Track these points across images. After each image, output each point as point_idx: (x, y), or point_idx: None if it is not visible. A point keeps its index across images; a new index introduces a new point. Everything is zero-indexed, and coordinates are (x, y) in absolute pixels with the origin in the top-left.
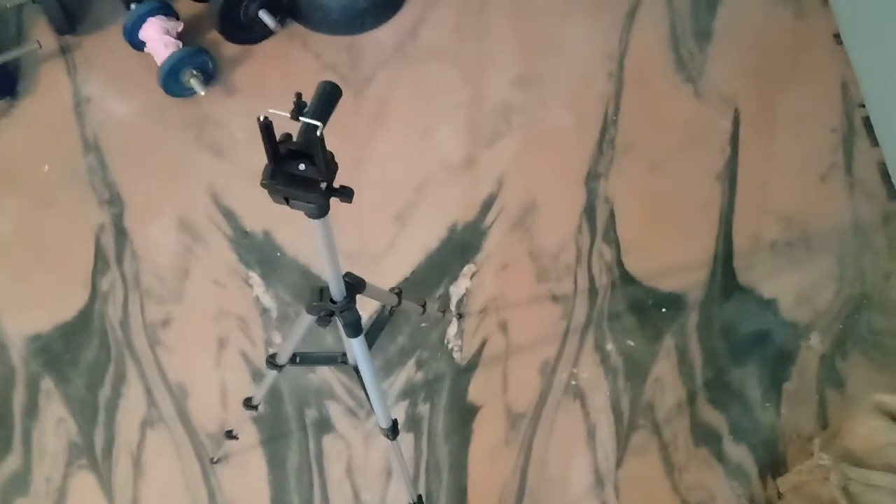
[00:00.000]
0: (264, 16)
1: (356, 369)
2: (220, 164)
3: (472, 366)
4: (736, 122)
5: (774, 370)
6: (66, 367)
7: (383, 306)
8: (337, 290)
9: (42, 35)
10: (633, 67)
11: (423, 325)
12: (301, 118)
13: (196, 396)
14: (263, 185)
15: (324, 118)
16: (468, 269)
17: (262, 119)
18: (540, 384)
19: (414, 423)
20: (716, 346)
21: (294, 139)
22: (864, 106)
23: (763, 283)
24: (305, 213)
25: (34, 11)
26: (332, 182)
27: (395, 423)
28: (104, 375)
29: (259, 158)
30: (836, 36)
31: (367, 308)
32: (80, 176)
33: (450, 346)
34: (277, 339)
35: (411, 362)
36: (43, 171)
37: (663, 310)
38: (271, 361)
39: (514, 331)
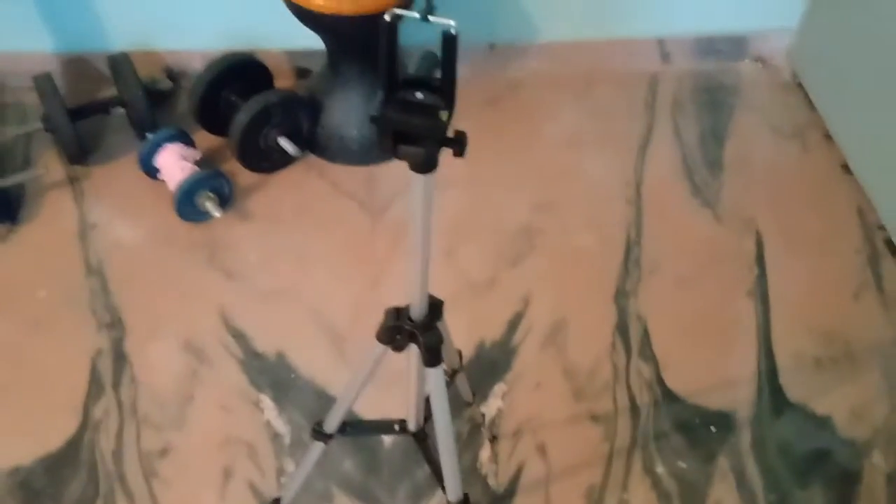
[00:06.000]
0: (284, 142)
1: (417, 436)
2: (232, 285)
3: (509, 493)
4: (759, 244)
5: (842, 492)
6: None
7: (444, 371)
8: (419, 305)
9: (51, 164)
10: (650, 194)
11: None
12: (431, 17)
13: None
14: (373, 119)
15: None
16: (499, 388)
17: (388, 17)
18: None
19: None
20: (775, 466)
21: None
22: (883, 228)
23: (814, 400)
24: (410, 165)
25: (44, 140)
26: (452, 113)
27: (466, 497)
28: None
29: (274, 281)
30: (844, 166)
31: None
32: (80, 300)
33: (483, 471)
34: (290, 466)
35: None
36: (39, 297)
37: (712, 429)
38: (318, 430)
39: (553, 454)
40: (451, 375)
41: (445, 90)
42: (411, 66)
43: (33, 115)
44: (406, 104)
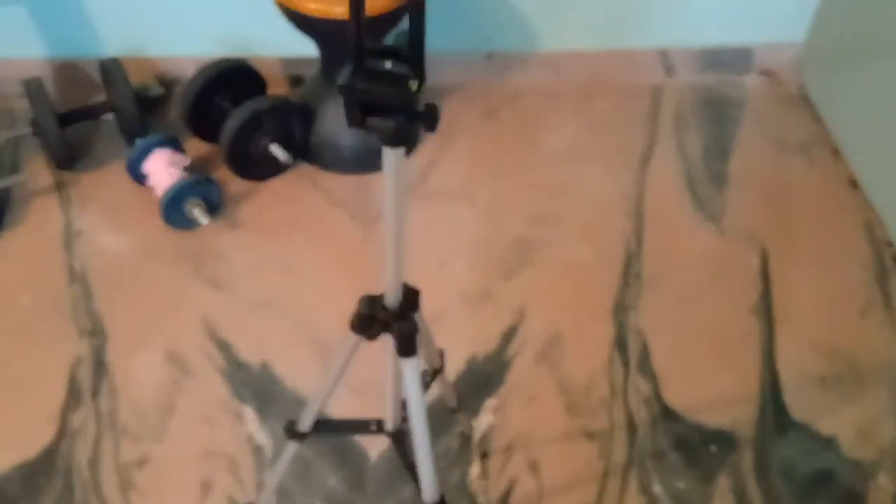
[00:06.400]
0: (276, 149)
1: (394, 436)
2: (218, 295)
3: None
4: (764, 259)
5: None
6: None
7: (423, 371)
8: (394, 292)
9: (38, 170)
10: (651, 206)
11: (442, 464)
12: None
13: None
14: (341, 88)
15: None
16: (490, 403)
17: None
18: None
19: None
20: (777, 487)
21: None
22: (892, 244)
23: (819, 420)
24: (380, 138)
25: (32, 145)
26: (422, 83)
27: (442, 498)
28: None
29: (261, 290)
30: (852, 181)
31: None
32: (62, 307)
33: (473, 487)
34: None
35: None
36: (21, 303)
37: (712, 447)
38: (291, 429)
39: (545, 471)
40: (432, 375)
41: (414, 59)
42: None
43: (22, 122)
44: (374, 73)
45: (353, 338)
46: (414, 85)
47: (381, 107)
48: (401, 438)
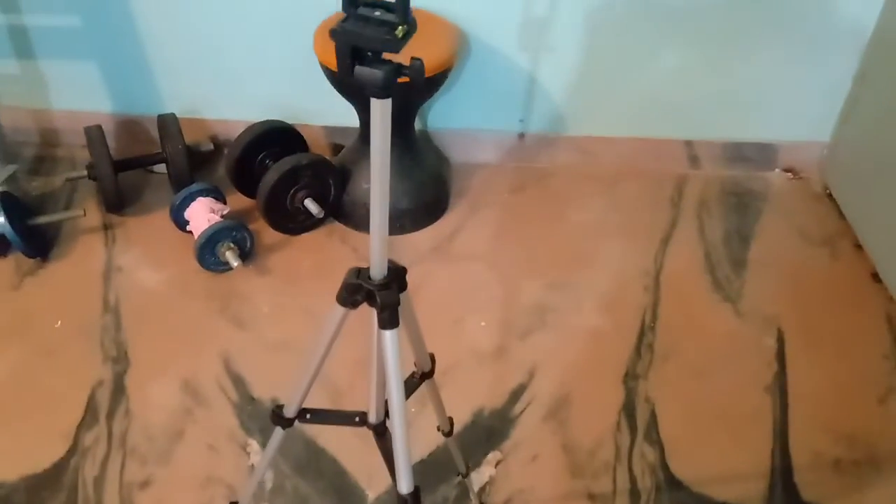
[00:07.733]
0: (310, 204)
1: (376, 429)
2: (240, 333)
3: None
4: (780, 341)
5: None
6: None
7: (413, 372)
8: (379, 262)
9: (89, 209)
10: (669, 284)
11: None
12: None
13: None
14: (332, 34)
15: None
16: (493, 456)
17: None
18: None
19: None
20: None
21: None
22: None
23: (830, 503)
24: (368, 89)
25: (88, 188)
26: (409, 31)
27: (417, 490)
28: None
29: (280, 332)
30: (874, 275)
31: None
32: (92, 333)
33: None
34: None
35: None
36: (55, 327)
37: None
38: (278, 414)
39: None
40: (420, 377)
41: (399, 8)
42: None
43: (82, 169)
44: (364, 19)
45: (338, 310)
46: (401, 31)
47: (370, 58)
48: (382, 432)
